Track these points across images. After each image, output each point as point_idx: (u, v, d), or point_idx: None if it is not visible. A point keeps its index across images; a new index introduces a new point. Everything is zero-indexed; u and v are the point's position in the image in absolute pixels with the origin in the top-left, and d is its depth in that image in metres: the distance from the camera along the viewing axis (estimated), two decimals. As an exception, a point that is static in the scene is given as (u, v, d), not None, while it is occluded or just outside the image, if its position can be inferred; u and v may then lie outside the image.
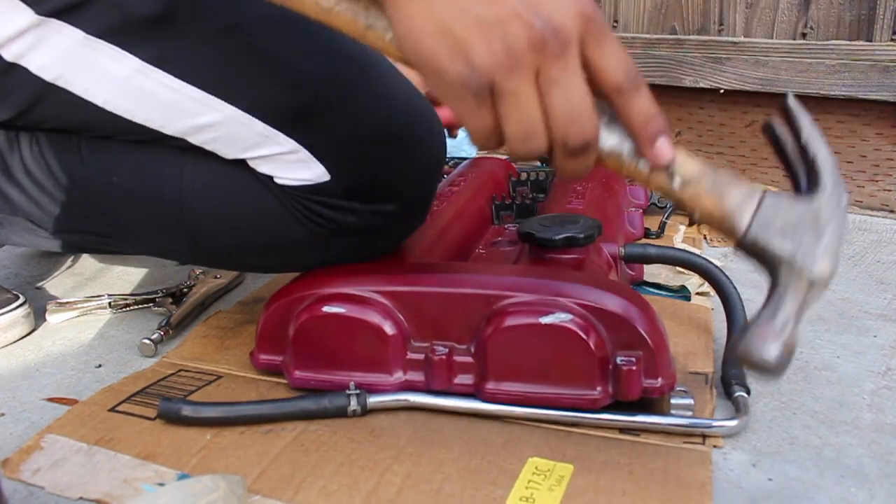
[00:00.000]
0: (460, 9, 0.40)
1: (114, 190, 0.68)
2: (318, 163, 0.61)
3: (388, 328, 0.61)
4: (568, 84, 0.42)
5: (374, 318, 0.61)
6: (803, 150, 0.48)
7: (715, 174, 0.46)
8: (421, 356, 0.61)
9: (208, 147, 0.63)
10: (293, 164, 0.62)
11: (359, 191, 0.63)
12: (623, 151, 0.45)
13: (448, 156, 1.52)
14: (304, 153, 0.61)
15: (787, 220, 0.45)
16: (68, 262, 1.04)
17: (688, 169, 0.46)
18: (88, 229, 0.73)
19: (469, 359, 0.60)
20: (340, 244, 0.66)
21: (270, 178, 0.63)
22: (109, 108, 0.62)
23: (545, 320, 0.57)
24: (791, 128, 0.49)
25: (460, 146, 1.56)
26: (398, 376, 0.62)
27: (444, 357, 0.60)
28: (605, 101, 0.44)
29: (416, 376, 0.62)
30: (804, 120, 0.48)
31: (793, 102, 0.49)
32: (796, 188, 0.48)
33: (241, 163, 0.63)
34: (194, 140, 0.63)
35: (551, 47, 0.40)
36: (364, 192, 0.63)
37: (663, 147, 0.45)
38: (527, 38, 0.40)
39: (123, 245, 0.75)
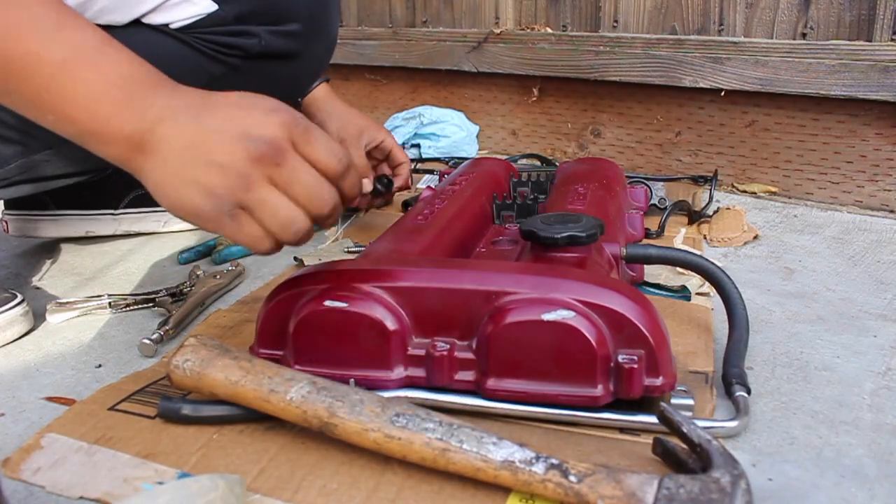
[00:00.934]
0: (193, 160, 0.49)
1: None
2: None
3: (390, 323, 0.61)
4: (298, 175, 0.51)
5: (375, 313, 0.61)
6: (688, 442, 0.53)
7: (608, 467, 0.50)
8: (422, 352, 0.61)
9: (102, 20, 0.69)
10: (181, 6, 0.72)
11: (250, 14, 0.75)
12: (515, 460, 0.50)
13: (448, 156, 1.53)
14: None
15: (690, 491, 0.47)
16: (68, 262, 1.04)
17: (580, 466, 0.50)
18: (34, 148, 0.77)
19: (470, 355, 0.60)
20: (262, 73, 0.78)
21: (167, 25, 0.72)
22: None
23: (547, 317, 0.57)
24: (671, 429, 0.54)
25: (460, 146, 1.56)
26: (399, 372, 0.62)
27: (445, 353, 0.60)
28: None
29: (417, 372, 0.62)
30: (678, 416, 0.54)
31: (664, 406, 0.55)
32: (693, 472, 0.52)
33: (137, 24, 0.71)
34: (86, 16, 0.63)
35: (270, 156, 0.49)
36: (255, 15, 0.75)
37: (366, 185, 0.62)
38: (248, 159, 0.49)
39: (69, 155, 0.79)
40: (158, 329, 0.78)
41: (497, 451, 0.51)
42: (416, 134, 1.56)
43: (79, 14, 0.52)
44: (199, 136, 0.49)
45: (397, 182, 1.09)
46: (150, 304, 0.87)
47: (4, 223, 1.08)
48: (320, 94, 1.08)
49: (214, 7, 0.74)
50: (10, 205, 1.07)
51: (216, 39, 0.76)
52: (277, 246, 0.53)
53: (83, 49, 0.50)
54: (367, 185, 0.96)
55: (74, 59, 0.49)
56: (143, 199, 1.12)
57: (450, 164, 1.50)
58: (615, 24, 1.39)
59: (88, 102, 0.49)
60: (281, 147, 0.49)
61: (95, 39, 0.51)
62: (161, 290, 0.88)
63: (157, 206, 1.09)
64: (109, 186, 1.09)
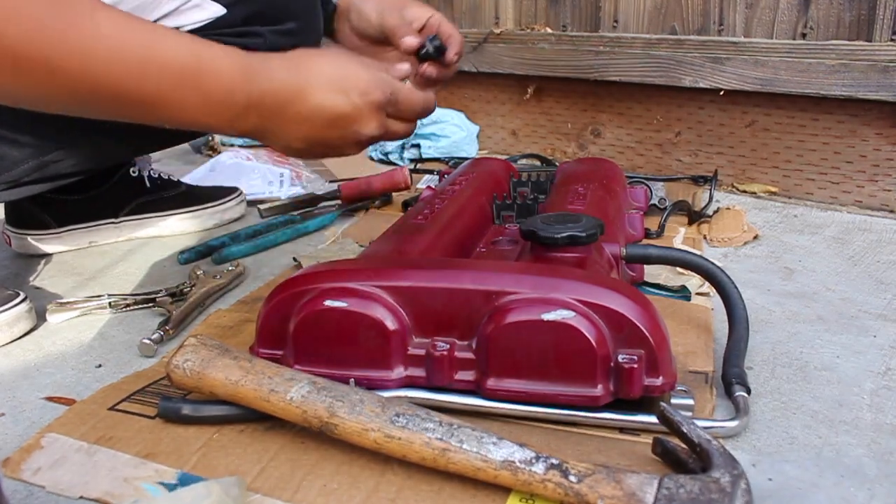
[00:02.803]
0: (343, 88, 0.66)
1: None
2: (210, 2, 0.78)
3: (390, 323, 0.61)
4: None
5: (375, 312, 0.61)
6: (688, 442, 0.53)
7: (608, 467, 0.50)
8: (422, 352, 0.61)
9: None
10: (192, 11, 0.76)
11: (255, 16, 0.81)
12: (515, 459, 0.51)
13: (448, 156, 1.53)
14: None
15: (690, 491, 0.48)
16: (68, 262, 1.04)
17: (580, 466, 0.50)
18: (46, 150, 0.81)
19: (470, 355, 0.60)
20: None
21: (179, 28, 0.75)
22: None
23: (547, 317, 0.57)
24: (671, 429, 0.55)
25: (460, 146, 1.56)
26: (399, 372, 0.62)
27: (445, 353, 0.60)
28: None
29: (417, 372, 0.62)
30: (678, 416, 0.54)
31: (664, 406, 0.55)
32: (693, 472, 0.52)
33: None
34: None
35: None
36: (260, 16, 0.81)
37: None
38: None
39: (79, 153, 0.84)
40: (158, 329, 0.78)
41: (497, 451, 0.51)
42: (416, 134, 1.56)
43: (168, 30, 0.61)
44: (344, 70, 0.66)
45: (451, 50, 0.90)
46: (151, 304, 0.87)
47: (6, 236, 1.07)
48: None
49: (223, 11, 0.79)
50: (11, 222, 1.06)
51: (226, 41, 0.79)
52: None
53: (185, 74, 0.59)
54: (411, 41, 0.88)
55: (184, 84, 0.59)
56: (145, 207, 1.12)
57: (450, 164, 1.50)
58: (615, 24, 1.39)
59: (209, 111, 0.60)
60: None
61: (189, 58, 0.59)
62: (161, 291, 0.88)
63: (158, 211, 1.12)
64: (110, 197, 1.09)
